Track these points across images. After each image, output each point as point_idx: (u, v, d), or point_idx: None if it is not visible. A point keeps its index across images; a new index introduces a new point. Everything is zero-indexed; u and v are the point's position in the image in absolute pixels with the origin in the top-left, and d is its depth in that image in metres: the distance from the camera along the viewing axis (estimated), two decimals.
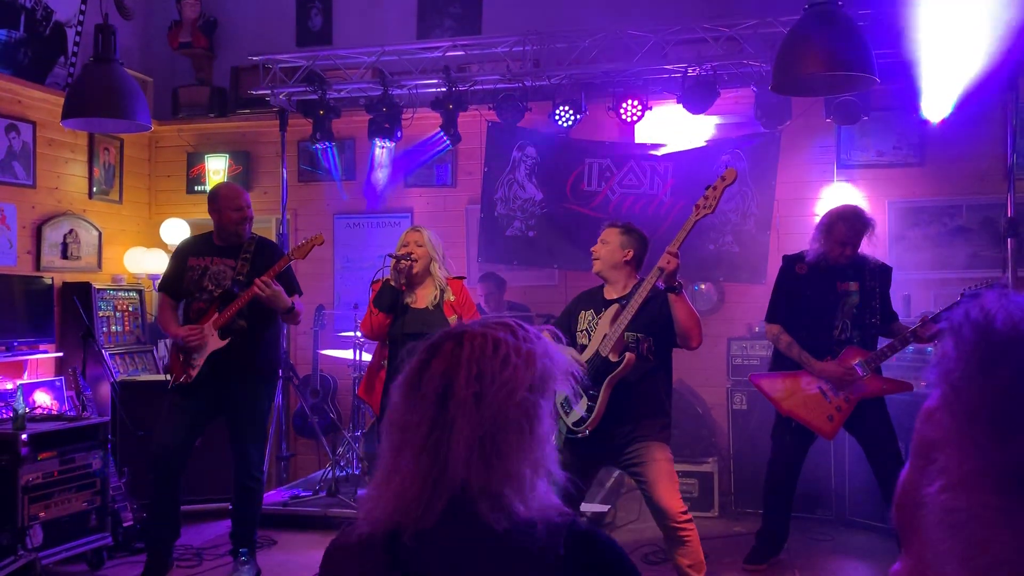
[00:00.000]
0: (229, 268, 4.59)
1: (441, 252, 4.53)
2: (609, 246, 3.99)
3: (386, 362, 4.43)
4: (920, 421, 0.74)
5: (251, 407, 4.58)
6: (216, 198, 4.68)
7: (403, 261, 4.34)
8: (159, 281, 4.97)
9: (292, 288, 4.64)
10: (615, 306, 3.89)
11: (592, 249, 4.05)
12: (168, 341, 5.32)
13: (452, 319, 4.36)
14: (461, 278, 4.63)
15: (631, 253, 3.97)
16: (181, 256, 4.74)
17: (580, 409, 3.84)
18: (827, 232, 4.44)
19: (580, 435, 3.82)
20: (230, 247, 4.65)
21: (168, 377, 4.60)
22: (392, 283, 4.36)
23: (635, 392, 3.80)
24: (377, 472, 1.35)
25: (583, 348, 3.95)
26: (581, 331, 4.01)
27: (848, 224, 4.39)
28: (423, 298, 4.46)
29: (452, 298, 4.44)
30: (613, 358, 3.79)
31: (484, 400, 1.27)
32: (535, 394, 1.30)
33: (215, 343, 4.46)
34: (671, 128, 6.50)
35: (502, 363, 1.29)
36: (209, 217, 4.69)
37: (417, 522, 1.27)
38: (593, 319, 3.98)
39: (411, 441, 1.29)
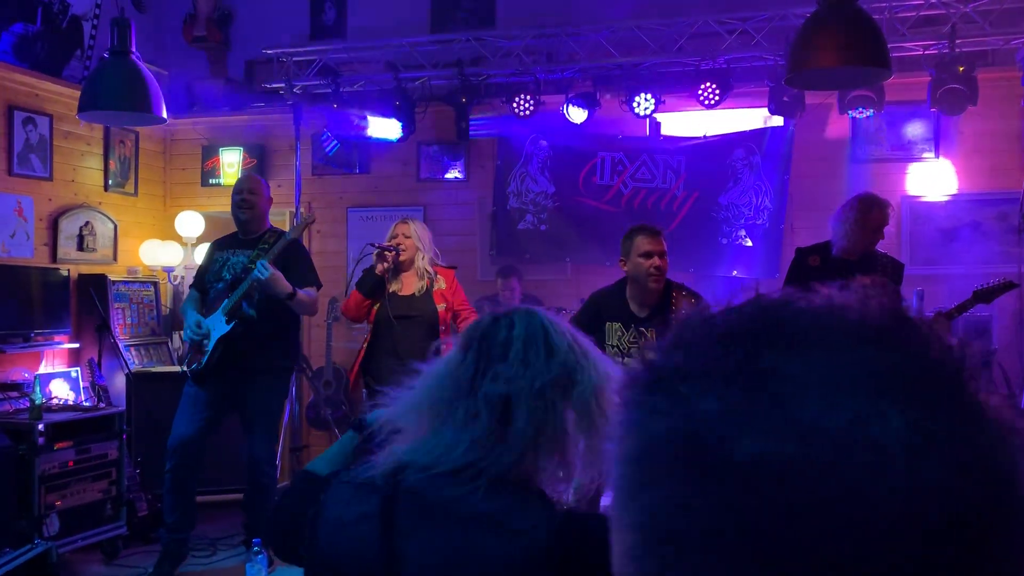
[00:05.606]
0: (246, 259, 4.58)
1: (428, 243, 4.59)
2: (665, 262, 3.87)
3: (367, 344, 4.52)
4: None
5: (261, 401, 4.56)
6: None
7: (387, 252, 4.44)
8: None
9: (306, 279, 4.56)
10: None
11: (660, 265, 3.84)
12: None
13: (441, 306, 4.44)
14: (452, 267, 4.70)
15: None
16: (210, 251, 4.83)
17: None
18: (863, 220, 4.36)
19: None
20: (252, 240, 4.64)
21: (184, 368, 4.63)
22: (377, 271, 4.47)
23: None
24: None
25: None
26: (611, 346, 3.86)
27: (881, 210, 4.39)
28: (409, 286, 4.52)
29: (443, 286, 4.50)
30: None
31: None
32: None
33: (220, 327, 4.45)
34: (684, 122, 6.49)
35: None
36: (224, 210, 4.74)
37: None
38: (623, 336, 3.86)
39: None
